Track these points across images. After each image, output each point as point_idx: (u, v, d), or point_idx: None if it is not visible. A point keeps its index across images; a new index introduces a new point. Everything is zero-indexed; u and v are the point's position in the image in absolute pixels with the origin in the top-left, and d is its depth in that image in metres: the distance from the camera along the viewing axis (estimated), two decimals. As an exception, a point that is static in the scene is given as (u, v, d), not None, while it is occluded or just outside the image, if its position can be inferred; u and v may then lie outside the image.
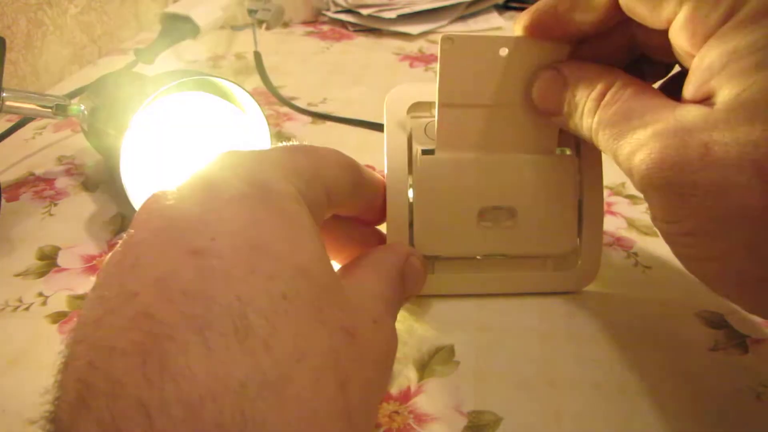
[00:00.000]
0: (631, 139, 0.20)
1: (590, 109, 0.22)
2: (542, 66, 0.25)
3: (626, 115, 0.20)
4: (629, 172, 0.20)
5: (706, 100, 0.19)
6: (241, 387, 0.14)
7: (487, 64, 0.25)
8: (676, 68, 0.24)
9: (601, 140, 0.21)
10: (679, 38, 0.20)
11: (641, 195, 0.20)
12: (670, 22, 0.20)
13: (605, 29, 0.23)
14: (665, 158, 0.18)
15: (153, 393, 0.14)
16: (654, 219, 0.20)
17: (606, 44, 0.24)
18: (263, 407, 0.14)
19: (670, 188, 0.18)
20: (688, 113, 0.19)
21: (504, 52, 0.25)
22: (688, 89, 0.19)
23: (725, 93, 0.18)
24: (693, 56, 0.19)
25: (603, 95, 0.22)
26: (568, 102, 0.23)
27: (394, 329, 0.22)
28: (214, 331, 0.15)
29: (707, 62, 0.18)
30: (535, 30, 0.24)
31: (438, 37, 0.25)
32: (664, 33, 0.20)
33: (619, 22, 0.22)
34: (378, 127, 0.33)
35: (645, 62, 0.24)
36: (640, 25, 0.21)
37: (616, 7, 0.21)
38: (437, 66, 0.25)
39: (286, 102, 0.51)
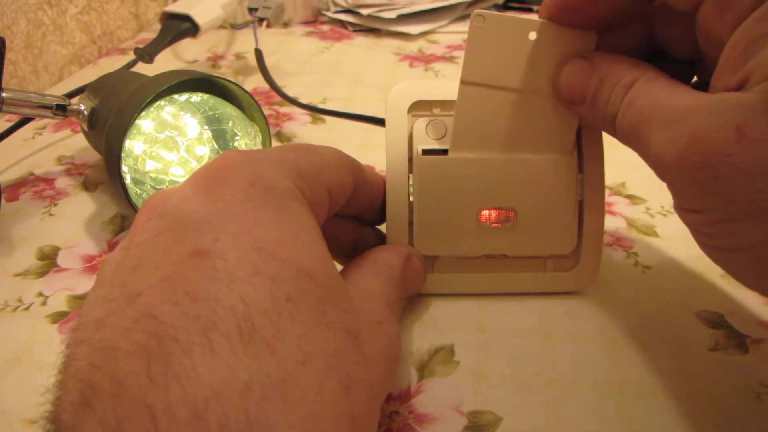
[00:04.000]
0: (659, 122, 0.19)
1: (618, 95, 0.21)
2: (570, 54, 0.24)
3: (656, 101, 0.20)
4: (656, 158, 0.19)
5: (739, 87, 0.18)
6: (245, 389, 0.14)
7: (515, 46, 0.25)
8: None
9: (627, 125, 0.21)
10: (708, 21, 0.19)
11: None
12: (699, 3, 0.19)
13: (629, 16, 0.22)
14: (698, 139, 0.18)
15: (158, 394, 0.14)
16: (680, 209, 0.20)
17: (624, 39, 0.24)
18: (268, 409, 0.14)
19: (701, 171, 0.18)
20: (721, 99, 0.18)
21: (533, 36, 0.24)
22: (720, 77, 0.19)
23: (759, 78, 0.17)
24: (720, 43, 0.19)
25: (632, 84, 0.21)
26: (595, 90, 0.23)
27: (397, 331, 0.22)
28: (219, 333, 0.15)
29: (741, 47, 0.18)
30: (560, 12, 0.23)
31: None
32: (686, 23, 0.20)
33: (641, 13, 0.22)
34: (380, 121, 0.33)
35: (663, 60, 0.24)
36: (661, 17, 0.21)
37: None
38: (466, 42, 0.25)
39: (286, 97, 0.51)
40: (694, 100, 0.19)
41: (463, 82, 0.26)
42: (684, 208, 0.20)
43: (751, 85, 0.17)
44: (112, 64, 0.58)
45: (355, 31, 0.69)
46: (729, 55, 0.18)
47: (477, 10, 0.24)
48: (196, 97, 0.35)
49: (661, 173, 0.20)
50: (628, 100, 0.21)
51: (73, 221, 0.36)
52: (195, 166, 0.35)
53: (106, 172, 0.41)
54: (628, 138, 0.21)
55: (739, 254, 0.19)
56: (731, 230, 0.18)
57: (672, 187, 0.20)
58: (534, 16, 0.25)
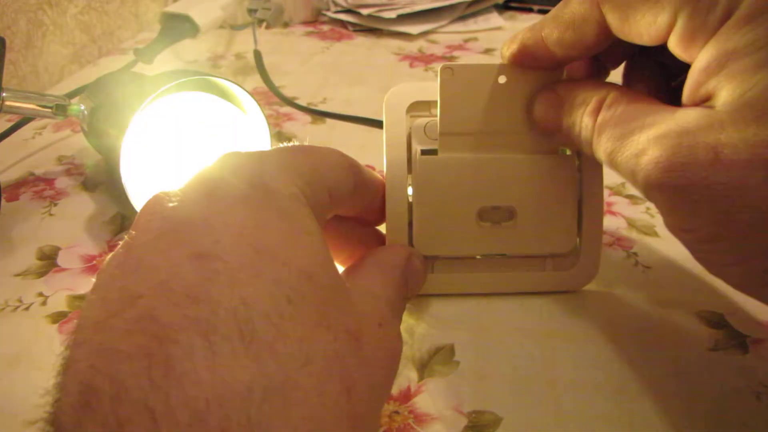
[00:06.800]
0: (632, 142, 0.20)
1: (587, 123, 0.22)
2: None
3: (625, 120, 0.20)
4: (632, 176, 0.20)
5: (704, 102, 0.19)
6: (247, 391, 0.14)
7: (487, 92, 0.26)
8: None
9: (601, 149, 0.21)
10: (678, 49, 0.19)
11: (641, 195, 0.20)
12: (666, 37, 0.20)
13: (597, 51, 0.23)
14: (673, 162, 0.18)
15: (159, 397, 0.14)
16: (670, 227, 0.20)
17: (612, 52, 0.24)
18: (269, 412, 0.14)
19: (681, 195, 0.18)
20: (689, 116, 0.18)
21: (503, 79, 0.25)
22: (687, 92, 0.19)
23: (727, 94, 0.18)
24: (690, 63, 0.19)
25: (599, 107, 0.22)
26: (566, 120, 0.23)
27: (399, 333, 0.22)
28: (220, 335, 0.15)
29: (704, 63, 0.18)
30: (522, 59, 0.24)
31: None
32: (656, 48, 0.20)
33: (608, 48, 0.22)
34: (378, 123, 0.33)
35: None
36: (629, 47, 0.21)
37: (607, 33, 0.21)
38: (437, 96, 0.26)
39: (285, 99, 0.51)
40: (661, 115, 0.19)
41: (442, 134, 0.26)
42: (673, 228, 0.20)
43: (718, 101, 0.18)
44: (112, 64, 0.58)
45: (355, 31, 0.69)
46: (694, 69, 0.19)
47: (444, 64, 0.26)
48: (196, 97, 0.35)
49: (646, 196, 0.20)
50: (597, 128, 0.21)
51: (73, 221, 0.36)
52: (195, 167, 0.35)
53: (106, 172, 0.41)
54: (604, 160, 0.22)
55: (731, 268, 0.19)
56: (721, 248, 0.19)
57: (658, 209, 0.20)
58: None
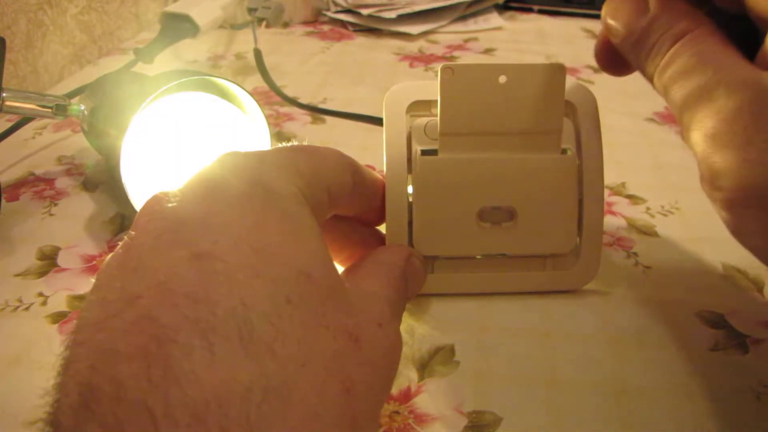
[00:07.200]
0: (699, 79, 0.18)
1: (664, 42, 0.20)
2: (541, 91, 0.25)
3: (702, 58, 0.19)
4: (681, 113, 0.18)
5: None
6: (246, 391, 0.14)
7: (487, 92, 0.26)
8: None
9: (665, 76, 0.20)
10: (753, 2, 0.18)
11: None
12: None
13: None
14: (742, 111, 0.17)
15: (158, 397, 0.14)
16: (706, 180, 0.18)
17: None
18: (268, 412, 0.14)
19: (744, 143, 0.17)
20: (765, 75, 0.17)
21: (503, 79, 0.25)
22: (764, 55, 0.18)
23: None
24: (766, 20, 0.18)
25: (683, 34, 0.20)
26: (643, 29, 0.21)
27: (398, 333, 0.22)
28: (219, 336, 0.15)
29: None
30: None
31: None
32: None
33: None
34: (379, 121, 0.33)
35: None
36: None
37: None
38: (438, 96, 0.25)
39: (285, 97, 0.51)
40: (744, 68, 0.18)
41: (442, 134, 0.26)
42: (708, 183, 0.18)
43: None
44: (112, 64, 0.58)
45: (355, 31, 0.69)
46: None
47: (444, 64, 0.26)
48: (196, 97, 0.35)
49: (687, 139, 0.19)
50: (673, 52, 0.20)
51: (73, 221, 0.36)
52: (195, 167, 0.35)
53: (106, 172, 0.41)
54: (661, 89, 0.20)
55: None
56: None
57: (701, 159, 0.18)
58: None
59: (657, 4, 0.21)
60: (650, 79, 0.21)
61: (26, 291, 0.30)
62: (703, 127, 0.18)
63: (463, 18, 0.71)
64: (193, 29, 0.54)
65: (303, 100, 0.51)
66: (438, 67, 0.27)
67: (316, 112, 0.49)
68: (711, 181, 0.18)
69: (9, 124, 0.44)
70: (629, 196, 0.37)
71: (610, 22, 0.22)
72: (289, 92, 0.52)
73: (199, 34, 0.54)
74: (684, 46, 0.20)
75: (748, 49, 0.19)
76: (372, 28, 0.69)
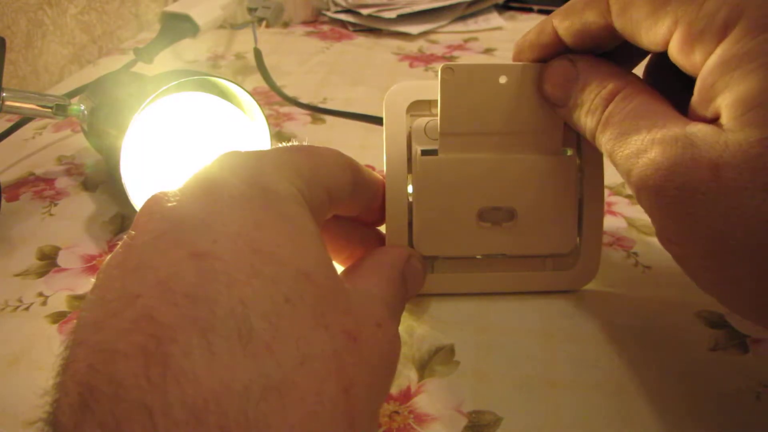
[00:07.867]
0: (636, 140, 0.19)
1: (597, 106, 0.22)
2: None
3: (635, 117, 0.20)
4: (628, 174, 0.20)
5: (713, 120, 0.18)
6: (244, 390, 0.14)
7: (488, 92, 0.26)
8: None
9: (605, 138, 0.21)
10: (679, 58, 0.19)
11: (634, 195, 0.20)
12: (667, 43, 0.19)
13: (607, 47, 0.23)
14: (674, 170, 0.18)
15: (156, 396, 0.14)
16: (661, 237, 0.20)
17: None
18: (267, 410, 0.14)
19: (676, 205, 0.18)
20: (697, 128, 0.18)
21: (503, 79, 0.25)
22: (694, 107, 0.19)
23: (731, 113, 0.17)
24: (695, 73, 0.19)
25: (613, 95, 0.21)
26: (576, 96, 0.23)
27: (397, 333, 0.22)
28: (218, 335, 0.15)
29: (709, 82, 0.18)
30: (532, 48, 0.24)
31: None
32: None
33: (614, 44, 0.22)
34: (380, 120, 0.33)
35: None
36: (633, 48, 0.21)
37: (612, 32, 0.21)
38: (438, 96, 0.25)
39: (284, 96, 0.51)
40: (673, 123, 0.19)
41: (443, 134, 0.26)
42: (664, 238, 0.20)
43: (725, 121, 0.18)
44: (112, 64, 0.58)
45: (355, 31, 0.69)
46: (701, 86, 0.18)
47: (445, 64, 0.25)
48: (196, 97, 0.35)
49: (638, 197, 0.20)
50: (607, 114, 0.21)
51: (73, 221, 0.36)
52: (194, 167, 0.35)
53: (106, 172, 0.41)
54: (604, 149, 0.21)
55: (724, 287, 0.19)
56: (713, 266, 0.18)
57: (650, 216, 0.20)
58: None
59: (583, 67, 0.23)
60: (594, 142, 0.22)
61: (26, 291, 0.30)
62: (648, 186, 0.19)
63: (463, 18, 0.71)
64: (192, 29, 0.54)
65: (303, 100, 0.51)
66: (438, 67, 0.27)
67: (316, 111, 0.49)
68: (664, 237, 0.20)
69: (9, 124, 0.44)
70: (629, 196, 0.37)
71: (550, 92, 0.24)
72: (289, 92, 0.52)
73: (199, 33, 0.54)
74: (617, 106, 0.21)
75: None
76: (372, 28, 0.69)
